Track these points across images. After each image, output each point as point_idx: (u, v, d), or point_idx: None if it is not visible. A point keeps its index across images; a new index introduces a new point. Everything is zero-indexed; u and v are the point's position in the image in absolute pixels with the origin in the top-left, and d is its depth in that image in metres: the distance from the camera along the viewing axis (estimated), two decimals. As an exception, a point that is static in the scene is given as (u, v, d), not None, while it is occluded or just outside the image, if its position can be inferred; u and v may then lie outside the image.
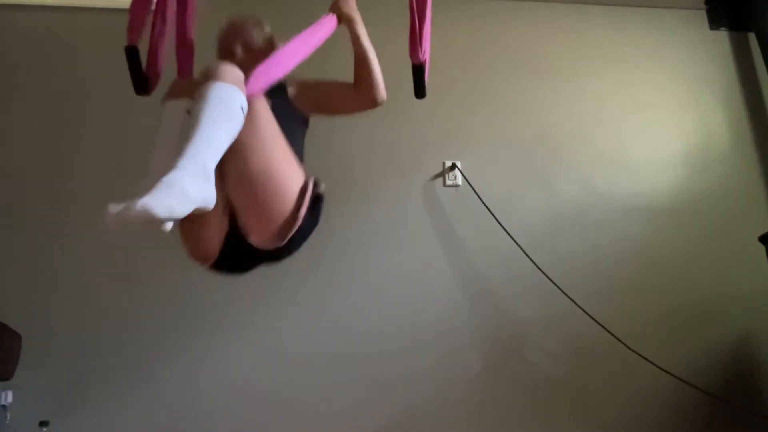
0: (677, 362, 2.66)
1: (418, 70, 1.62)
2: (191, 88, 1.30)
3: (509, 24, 3.13)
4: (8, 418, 2.24)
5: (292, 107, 1.62)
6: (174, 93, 1.41)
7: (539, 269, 2.70)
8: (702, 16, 3.30)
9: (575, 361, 2.67)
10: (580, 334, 2.67)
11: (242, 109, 1.25)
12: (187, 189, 1.10)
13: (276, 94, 1.52)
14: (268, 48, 1.64)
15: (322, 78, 1.71)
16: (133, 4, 1.51)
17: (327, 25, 1.55)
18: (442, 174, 2.85)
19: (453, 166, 2.85)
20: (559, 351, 2.68)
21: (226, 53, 1.67)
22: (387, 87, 1.67)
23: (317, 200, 1.44)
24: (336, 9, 1.60)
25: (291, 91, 1.65)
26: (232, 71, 1.28)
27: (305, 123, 1.69)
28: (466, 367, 2.62)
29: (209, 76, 1.26)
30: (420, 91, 1.65)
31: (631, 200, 2.92)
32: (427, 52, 1.65)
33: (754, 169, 3.08)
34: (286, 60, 1.39)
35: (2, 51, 2.71)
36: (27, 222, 2.53)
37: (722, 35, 3.29)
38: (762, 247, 2.73)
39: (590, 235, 2.84)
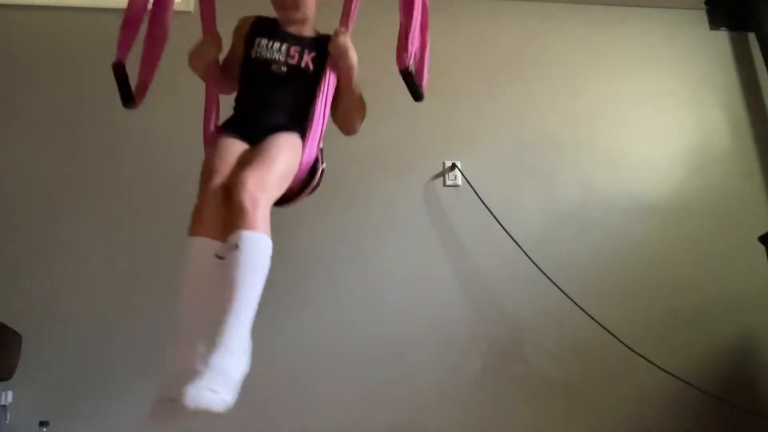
0: (677, 362, 2.65)
1: (407, 76, 1.56)
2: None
3: (509, 24, 3.13)
4: (8, 418, 2.24)
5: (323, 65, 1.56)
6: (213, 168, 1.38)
7: (539, 269, 2.70)
8: (702, 16, 3.30)
9: (575, 361, 2.67)
10: (580, 334, 2.67)
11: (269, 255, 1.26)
12: (234, 374, 1.17)
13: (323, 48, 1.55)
14: None
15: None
16: (123, 23, 1.53)
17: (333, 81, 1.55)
18: (442, 174, 2.85)
19: (453, 166, 2.85)
20: (559, 351, 2.68)
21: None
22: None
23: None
24: (345, 58, 1.53)
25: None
26: (264, 217, 1.27)
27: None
28: (466, 367, 2.61)
29: (239, 222, 1.24)
30: (415, 95, 1.60)
31: (631, 200, 2.92)
32: (415, 53, 1.58)
33: (754, 169, 3.07)
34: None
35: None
36: (27, 222, 2.53)
37: (722, 35, 3.29)
38: (762, 247, 2.73)
39: (590, 235, 2.84)
